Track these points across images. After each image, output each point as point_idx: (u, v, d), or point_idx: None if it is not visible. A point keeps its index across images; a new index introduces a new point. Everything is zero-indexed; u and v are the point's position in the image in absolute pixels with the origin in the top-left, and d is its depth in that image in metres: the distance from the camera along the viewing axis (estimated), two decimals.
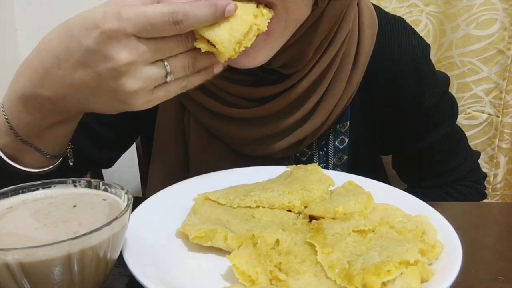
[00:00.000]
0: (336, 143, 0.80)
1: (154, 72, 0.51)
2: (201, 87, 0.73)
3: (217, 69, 0.56)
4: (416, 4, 1.17)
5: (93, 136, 0.78)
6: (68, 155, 0.65)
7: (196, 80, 0.56)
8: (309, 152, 0.81)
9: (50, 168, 0.62)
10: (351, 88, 0.76)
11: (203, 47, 0.51)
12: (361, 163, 0.83)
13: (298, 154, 0.81)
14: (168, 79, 0.52)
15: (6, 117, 0.57)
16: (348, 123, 0.80)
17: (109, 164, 0.89)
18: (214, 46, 0.51)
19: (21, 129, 0.57)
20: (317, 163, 0.74)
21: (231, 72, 0.69)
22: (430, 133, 0.84)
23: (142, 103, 0.52)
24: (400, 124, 0.83)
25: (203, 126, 0.78)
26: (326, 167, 0.81)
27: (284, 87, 0.73)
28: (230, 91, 0.74)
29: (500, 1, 1.12)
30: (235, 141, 0.77)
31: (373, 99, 0.79)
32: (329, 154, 0.80)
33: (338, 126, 0.80)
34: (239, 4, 0.53)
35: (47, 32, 0.53)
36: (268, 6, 0.57)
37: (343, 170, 0.79)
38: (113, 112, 0.55)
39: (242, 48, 0.53)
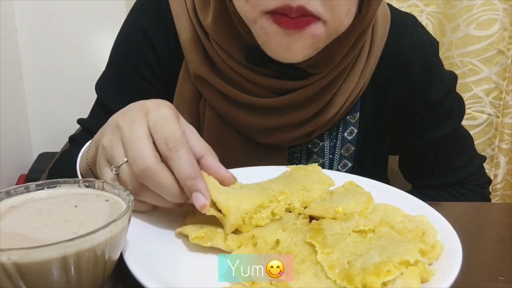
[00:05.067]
0: (345, 134, 0.82)
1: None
2: (219, 73, 0.76)
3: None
4: (416, 4, 1.17)
5: None
6: None
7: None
8: (321, 143, 0.83)
9: None
10: (363, 80, 0.79)
11: (211, 211, 0.50)
12: (368, 156, 0.84)
13: (310, 146, 0.83)
14: (113, 169, 0.52)
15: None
16: (358, 114, 0.82)
17: None
18: (220, 212, 0.50)
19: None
20: (326, 155, 0.81)
21: (259, 65, 0.73)
22: (436, 128, 0.85)
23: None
24: (407, 116, 0.84)
25: (217, 113, 0.79)
26: (333, 158, 0.83)
27: (304, 84, 0.75)
28: (251, 79, 0.75)
29: (500, 2, 1.12)
30: (248, 129, 0.79)
31: (384, 91, 0.81)
32: (337, 145, 0.83)
33: (348, 117, 0.82)
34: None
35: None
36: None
37: (349, 162, 0.83)
38: None
39: (253, 222, 0.52)
